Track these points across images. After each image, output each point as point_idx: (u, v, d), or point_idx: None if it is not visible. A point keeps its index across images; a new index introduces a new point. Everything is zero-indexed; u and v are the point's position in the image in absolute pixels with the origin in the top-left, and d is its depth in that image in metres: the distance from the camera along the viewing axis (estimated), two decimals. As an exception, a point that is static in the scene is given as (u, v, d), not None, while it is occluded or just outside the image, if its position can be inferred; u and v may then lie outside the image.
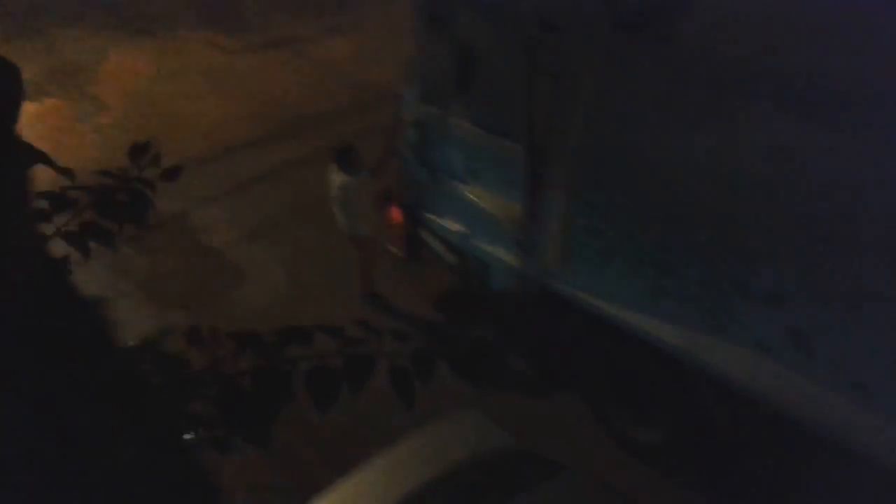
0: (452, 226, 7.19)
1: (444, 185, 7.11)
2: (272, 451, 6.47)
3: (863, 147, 4.33)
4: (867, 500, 5.08)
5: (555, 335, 6.81)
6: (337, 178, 7.72)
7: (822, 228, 4.59)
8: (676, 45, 4.94)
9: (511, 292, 6.75)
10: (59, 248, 2.66)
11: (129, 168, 2.93)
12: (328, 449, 6.62)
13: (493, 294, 7.04)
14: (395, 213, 7.93)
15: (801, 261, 4.76)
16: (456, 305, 8.04)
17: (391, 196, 7.97)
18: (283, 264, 8.83)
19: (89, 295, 2.46)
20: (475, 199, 6.81)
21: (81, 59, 13.45)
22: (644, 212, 5.45)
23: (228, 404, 2.50)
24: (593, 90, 5.43)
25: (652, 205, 5.39)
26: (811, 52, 4.38)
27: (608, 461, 6.30)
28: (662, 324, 5.58)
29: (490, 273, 6.95)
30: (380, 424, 6.55)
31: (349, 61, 13.44)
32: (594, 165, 5.66)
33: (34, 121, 11.67)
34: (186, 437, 2.62)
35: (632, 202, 5.51)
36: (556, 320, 6.63)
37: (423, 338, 2.49)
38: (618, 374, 6.45)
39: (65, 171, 2.88)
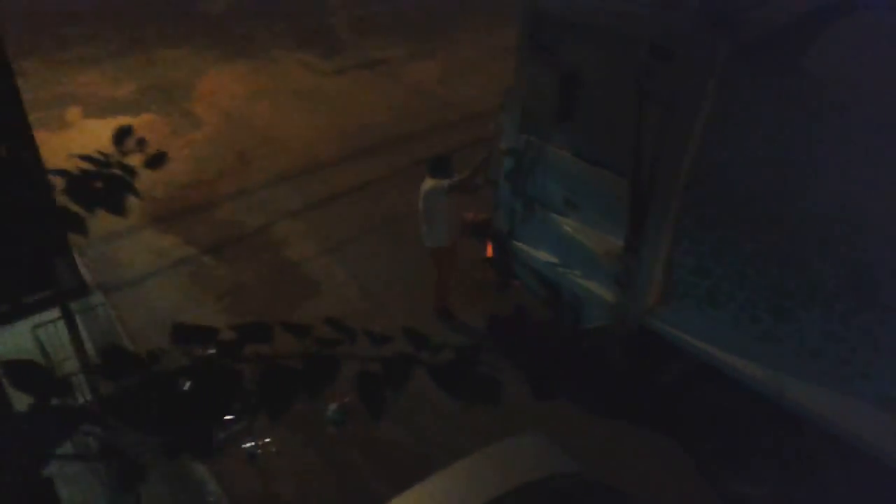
0: (546, 258, 6.93)
1: (540, 215, 6.89)
2: (334, 465, 6.48)
3: None
4: None
5: (653, 374, 6.47)
6: (426, 185, 7.75)
7: None
8: (803, 77, 4.65)
9: (606, 328, 6.48)
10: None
11: (111, 154, 2.71)
12: (390, 466, 6.51)
13: (586, 329, 6.74)
14: (489, 246, 7.72)
15: None
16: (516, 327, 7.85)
17: (485, 225, 7.79)
18: (358, 278, 8.84)
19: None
20: (572, 231, 6.57)
21: (180, 77, 13.95)
22: (761, 253, 5.14)
23: (170, 409, 2.18)
24: (708, 122, 5.17)
25: (771, 246, 5.07)
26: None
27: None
28: (777, 373, 5.22)
29: (584, 307, 6.68)
30: (444, 443, 6.47)
31: (436, 83, 13.52)
32: (705, 202, 5.39)
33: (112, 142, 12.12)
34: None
35: (746, 242, 5.19)
36: (654, 359, 6.32)
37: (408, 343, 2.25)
38: (723, 422, 6.09)
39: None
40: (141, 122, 12.46)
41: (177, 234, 9.86)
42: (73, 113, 12.82)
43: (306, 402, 2.13)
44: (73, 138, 12.09)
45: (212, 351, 2.18)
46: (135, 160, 2.74)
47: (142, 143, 2.70)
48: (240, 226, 9.92)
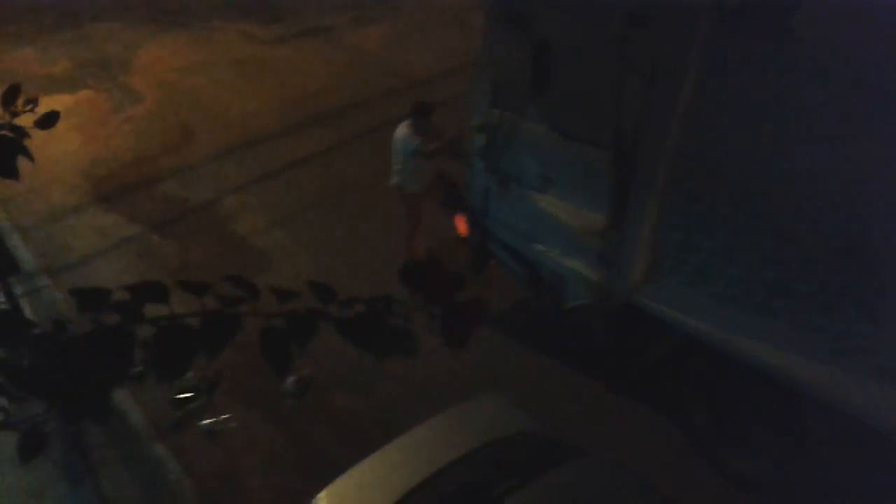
0: (524, 236, 6.74)
1: (515, 193, 6.65)
2: (294, 437, 6.51)
3: None
4: None
5: (641, 352, 6.33)
6: (405, 131, 7.78)
7: None
8: (792, 42, 4.52)
9: (588, 307, 6.32)
10: None
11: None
12: (351, 435, 6.55)
13: (567, 308, 6.56)
14: (461, 223, 7.55)
15: None
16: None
17: (456, 199, 7.73)
18: (309, 250, 8.79)
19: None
20: (550, 208, 6.33)
21: (117, 51, 13.57)
22: (752, 226, 4.99)
23: (65, 375, 2.10)
24: (692, 91, 4.94)
25: (763, 218, 4.93)
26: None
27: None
28: (772, 348, 5.10)
29: (565, 286, 6.51)
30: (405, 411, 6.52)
31: (381, 49, 13.38)
32: (693, 174, 5.19)
33: (68, 112, 11.78)
34: None
35: (737, 215, 5.04)
36: (642, 337, 6.19)
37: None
38: (717, 398, 6.01)
39: None
40: (79, 99, 12.15)
41: (121, 212, 9.68)
42: (8, 91, 12.41)
43: (205, 360, 2.08)
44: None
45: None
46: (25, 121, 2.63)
47: (31, 103, 2.62)
48: (186, 202, 9.77)
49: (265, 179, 10.16)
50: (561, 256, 6.44)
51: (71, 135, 11.22)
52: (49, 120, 2.63)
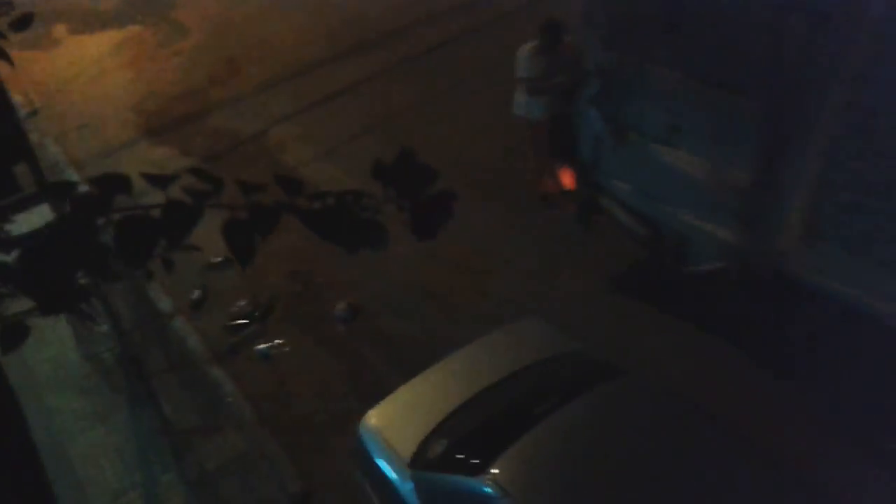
0: (642, 192, 6.07)
1: (635, 144, 5.95)
2: (345, 360, 6.66)
3: None
4: None
5: (790, 324, 5.49)
6: (529, 52, 7.18)
7: None
8: None
9: (721, 271, 5.64)
10: None
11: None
12: (398, 358, 6.69)
13: (693, 271, 5.90)
14: (566, 175, 7.03)
15: None
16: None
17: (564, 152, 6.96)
18: (356, 178, 8.82)
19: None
20: (678, 162, 5.62)
21: (162, -16, 13.60)
22: None
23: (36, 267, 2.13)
24: (871, 32, 4.26)
25: None
26: None
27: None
28: None
29: (693, 248, 5.84)
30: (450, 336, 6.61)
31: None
32: (870, 128, 4.49)
33: (117, 48, 11.96)
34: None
35: None
36: (790, 307, 5.41)
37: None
38: (872, 375, 5.09)
39: None
40: (128, 35, 12.28)
41: (172, 145, 9.85)
42: (60, 30, 12.62)
43: (166, 250, 2.10)
44: (63, 55, 11.96)
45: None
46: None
47: (5, 5, 2.62)
48: (235, 133, 9.87)
49: (312, 109, 10.19)
50: (688, 215, 5.74)
51: (122, 71, 11.41)
52: (24, 22, 2.64)
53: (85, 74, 11.47)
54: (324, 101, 10.31)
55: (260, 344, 7.02)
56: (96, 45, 12.13)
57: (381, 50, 11.12)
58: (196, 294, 7.58)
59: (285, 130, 9.86)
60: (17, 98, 10.37)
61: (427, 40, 11.10)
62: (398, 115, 9.66)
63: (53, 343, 7.16)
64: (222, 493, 5.87)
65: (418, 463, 4.76)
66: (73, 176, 9.38)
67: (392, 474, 4.84)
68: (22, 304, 2.20)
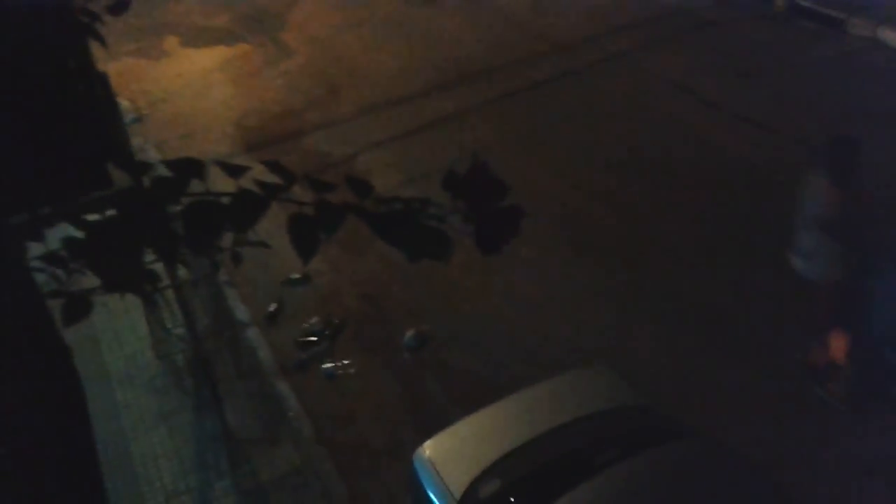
0: None
1: None
2: (408, 388, 6.64)
3: None
4: None
5: None
6: (819, 187, 5.31)
7: None
8: None
9: None
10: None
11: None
12: (462, 391, 6.62)
13: None
14: (838, 342, 5.67)
15: None
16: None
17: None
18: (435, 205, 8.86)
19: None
20: None
21: (272, 7, 14.06)
22: None
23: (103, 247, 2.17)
24: None
25: None
26: None
27: None
28: None
29: None
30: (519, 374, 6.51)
31: (528, 11, 13.20)
32: None
33: (224, 64, 12.40)
34: None
35: None
36: None
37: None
38: None
39: None
40: (236, 52, 12.72)
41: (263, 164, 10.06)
42: (171, 42, 13.17)
43: (236, 244, 2.20)
44: (172, 66, 12.47)
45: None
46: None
47: None
48: (326, 155, 10.07)
49: (404, 138, 10.31)
50: None
51: (226, 86, 11.81)
52: (119, 6, 2.72)
53: (191, 87, 11.92)
54: (417, 131, 10.42)
55: (327, 363, 7.06)
56: (204, 60, 12.60)
57: (479, 86, 11.20)
58: (272, 307, 7.71)
59: (374, 156, 9.99)
60: (124, 103, 10.87)
61: (522, 81, 11.16)
62: (488, 150, 9.68)
63: (131, 341, 7.38)
64: (273, 507, 5.89)
65: (469, 501, 4.66)
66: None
67: (441, 509, 4.76)
68: (90, 282, 2.25)
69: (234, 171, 2.16)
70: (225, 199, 2.10)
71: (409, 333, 7.17)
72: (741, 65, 11.01)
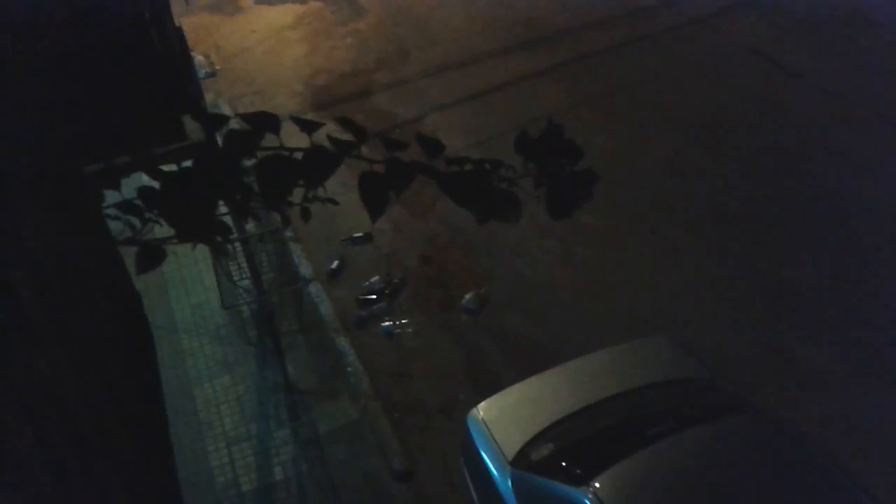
0: None
1: None
2: (464, 349, 6.68)
3: None
4: None
5: None
6: None
7: None
8: None
9: None
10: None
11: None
12: (518, 356, 6.65)
13: None
14: None
15: None
16: None
17: None
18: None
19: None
20: None
21: (347, -35, 14.05)
22: None
23: (178, 199, 2.23)
24: None
25: None
26: None
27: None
28: None
29: None
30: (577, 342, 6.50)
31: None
32: None
33: (296, 22, 12.46)
34: None
35: None
36: None
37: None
38: None
39: None
40: (308, 10, 12.76)
41: (334, 120, 10.14)
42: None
43: (305, 189, 2.16)
44: (245, 23, 12.58)
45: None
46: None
47: None
48: (393, 116, 10.08)
49: (472, 100, 10.25)
50: None
51: (298, 44, 11.87)
52: None
53: (264, 44, 12.02)
54: (485, 93, 10.35)
55: (386, 321, 7.15)
56: (278, 17, 12.67)
57: (549, 49, 11.07)
58: (335, 264, 7.81)
59: (441, 118, 9.97)
60: (198, 58, 11.05)
61: (595, 44, 10.98)
62: (556, 114, 9.55)
63: (198, 291, 7.58)
64: (329, 458, 6.03)
65: (521, 463, 4.72)
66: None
67: (493, 469, 4.82)
68: (163, 231, 2.32)
69: (308, 126, 2.19)
70: (298, 155, 2.13)
71: (468, 296, 7.20)
72: (821, 34, 10.65)
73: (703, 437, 4.46)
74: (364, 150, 2.27)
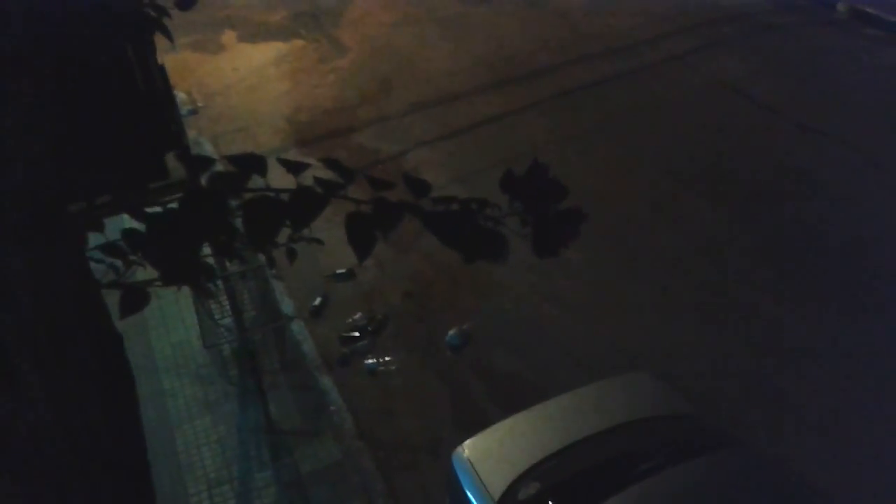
0: None
1: None
2: (449, 386, 6.63)
3: None
4: None
5: None
6: None
7: None
8: None
9: None
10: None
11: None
12: (503, 392, 6.61)
13: None
14: None
15: None
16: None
17: None
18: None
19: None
20: None
21: (329, 4, 14.16)
22: None
23: (163, 239, 2.22)
24: None
25: None
26: None
27: None
28: None
29: None
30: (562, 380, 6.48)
31: (582, 11, 13.12)
32: None
33: (279, 60, 12.53)
34: None
35: None
36: None
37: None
38: None
39: None
40: (291, 48, 12.84)
41: (317, 156, 10.17)
42: (228, 36, 13.33)
43: (291, 240, 2.18)
44: (228, 60, 12.63)
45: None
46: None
47: None
48: (376, 152, 10.11)
49: (455, 136, 10.32)
50: None
51: (281, 81, 11.92)
52: (186, 2, 2.73)
53: (246, 81, 12.05)
54: (467, 129, 10.43)
55: (369, 358, 7.10)
56: (260, 55, 12.73)
57: (533, 85, 11.20)
58: (317, 301, 7.77)
59: (424, 155, 10.01)
60: (181, 95, 11.06)
61: (576, 81, 11.12)
62: (538, 150, 9.64)
63: (179, 330, 7.50)
64: (313, 499, 5.93)
65: (508, 502, 4.65)
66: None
67: (480, 508, 4.75)
68: (146, 274, 2.28)
69: (295, 168, 2.17)
70: (284, 196, 2.11)
71: (452, 332, 7.18)
72: (800, 70, 10.84)
73: (688, 473, 4.44)
74: (350, 188, 2.26)
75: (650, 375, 5.42)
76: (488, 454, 5.04)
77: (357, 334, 7.33)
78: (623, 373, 5.69)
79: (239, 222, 2.15)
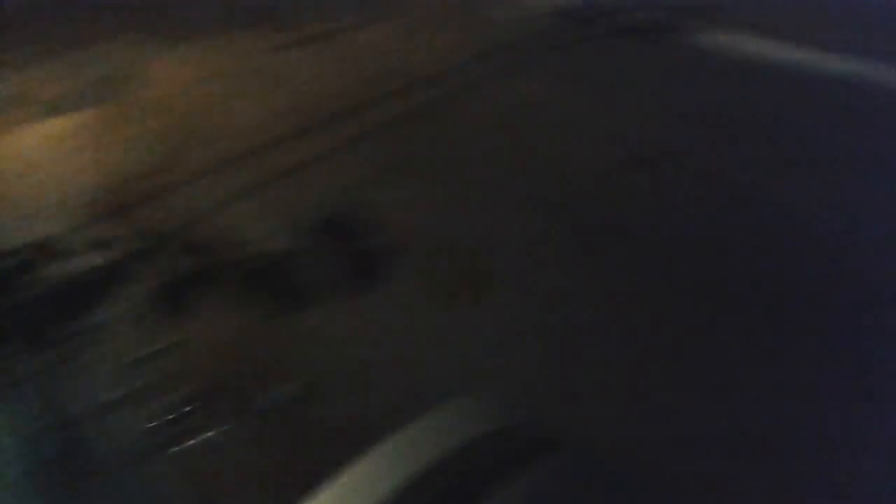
0: None
1: None
2: (279, 446, 6.07)
3: None
4: None
5: None
6: None
7: None
8: None
9: None
10: None
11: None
12: (334, 445, 6.11)
13: None
14: None
15: None
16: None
17: None
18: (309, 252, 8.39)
19: None
20: None
21: (126, 68, 13.45)
22: None
23: None
24: None
25: None
26: None
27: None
28: None
29: None
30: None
31: (391, 46, 13.02)
32: None
33: (76, 132, 11.70)
34: None
35: None
36: None
37: None
38: None
39: None
40: (87, 118, 12.03)
41: (124, 226, 9.39)
42: (15, 115, 12.36)
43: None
44: (17, 140, 11.66)
45: None
46: None
47: None
48: (192, 212, 9.42)
49: (272, 185, 9.82)
50: None
51: (77, 155, 11.07)
52: None
53: (34, 163, 11.13)
54: (285, 176, 9.97)
55: (190, 439, 6.41)
56: (49, 131, 11.84)
57: (347, 124, 10.99)
58: (121, 392, 7.00)
59: (243, 207, 9.41)
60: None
61: (384, 114, 10.97)
62: (356, 188, 9.29)
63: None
64: None
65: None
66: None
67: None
68: None
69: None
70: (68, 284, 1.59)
71: (275, 392, 6.61)
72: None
73: (516, 492, 4.10)
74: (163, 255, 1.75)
75: (464, 398, 5.07)
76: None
77: (174, 416, 6.62)
78: (440, 405, 5.32)
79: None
